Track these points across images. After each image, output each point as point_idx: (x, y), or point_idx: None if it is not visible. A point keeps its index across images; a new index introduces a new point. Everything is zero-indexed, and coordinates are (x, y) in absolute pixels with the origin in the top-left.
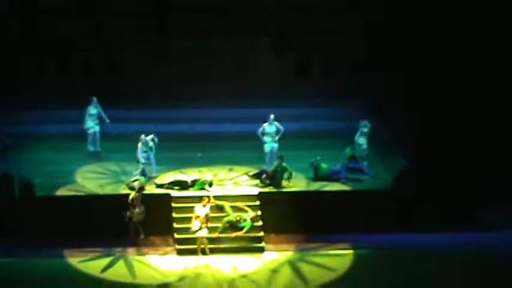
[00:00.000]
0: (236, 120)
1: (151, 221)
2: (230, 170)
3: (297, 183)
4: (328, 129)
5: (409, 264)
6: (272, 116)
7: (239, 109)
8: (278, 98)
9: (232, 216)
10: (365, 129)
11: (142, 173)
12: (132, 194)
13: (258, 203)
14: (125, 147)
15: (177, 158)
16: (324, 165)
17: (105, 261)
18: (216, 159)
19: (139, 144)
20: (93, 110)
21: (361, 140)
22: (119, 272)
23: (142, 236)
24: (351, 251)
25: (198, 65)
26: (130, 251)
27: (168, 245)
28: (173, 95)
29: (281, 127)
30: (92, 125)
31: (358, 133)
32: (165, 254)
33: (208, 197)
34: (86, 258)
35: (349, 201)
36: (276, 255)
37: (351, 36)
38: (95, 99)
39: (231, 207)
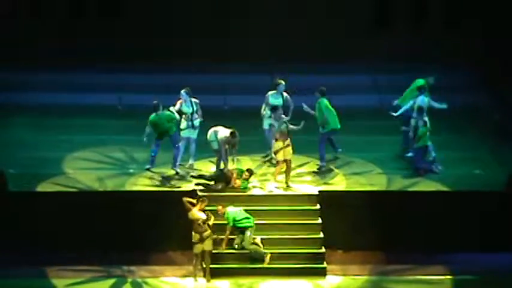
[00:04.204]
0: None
1: (168, 229)
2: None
3: (373, 180)
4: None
5: None
6: (282, 83)
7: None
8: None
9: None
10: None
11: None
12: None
13: (318, 206)
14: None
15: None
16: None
17: (105, 284)
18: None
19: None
20: (187, 106)
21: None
22: None
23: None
24: (448, 277)
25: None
26: (139, 271)
27: (192, 263)
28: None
29: (291, 102)
30: (184, 127)
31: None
32: (186, 275)
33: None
34: (78, 279)
35: (446, 206)
36: (343, 281)
37: None
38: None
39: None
